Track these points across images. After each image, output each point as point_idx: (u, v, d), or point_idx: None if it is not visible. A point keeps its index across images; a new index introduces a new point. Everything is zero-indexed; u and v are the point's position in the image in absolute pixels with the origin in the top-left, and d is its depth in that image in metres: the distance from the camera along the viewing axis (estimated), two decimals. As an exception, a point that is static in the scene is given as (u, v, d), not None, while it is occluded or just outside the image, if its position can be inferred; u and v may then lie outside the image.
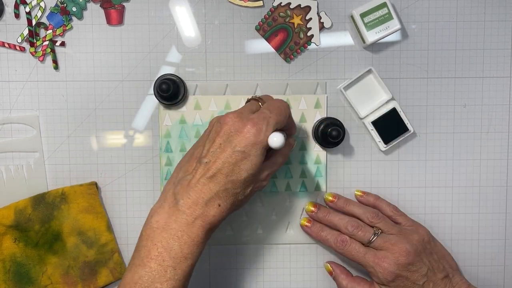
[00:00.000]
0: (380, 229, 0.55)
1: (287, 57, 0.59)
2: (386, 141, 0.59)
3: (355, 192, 0.60)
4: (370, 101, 0.59)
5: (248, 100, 0.52)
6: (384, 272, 0.53)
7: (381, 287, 0.54)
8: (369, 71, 0.58)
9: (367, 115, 0.59)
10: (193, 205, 0.45)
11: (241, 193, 0.47)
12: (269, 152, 0.49)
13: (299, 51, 0.59)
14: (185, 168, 0.48)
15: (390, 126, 0.59)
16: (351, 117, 0.60)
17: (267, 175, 0.49)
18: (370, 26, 0.56)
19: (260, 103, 0.50)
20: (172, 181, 0.48)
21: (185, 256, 0.44)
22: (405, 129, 0.59)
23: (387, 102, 0.59)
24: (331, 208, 0.59)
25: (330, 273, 0.59)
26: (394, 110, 0.58)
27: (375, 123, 0.58)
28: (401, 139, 0.59)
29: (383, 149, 0.59)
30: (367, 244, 0.55)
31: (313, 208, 0.58)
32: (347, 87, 0.59)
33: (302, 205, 0.60)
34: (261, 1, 0.58)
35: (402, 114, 0.58)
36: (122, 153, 0.59)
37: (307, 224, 0.59)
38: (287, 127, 0.51)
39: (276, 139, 0.45)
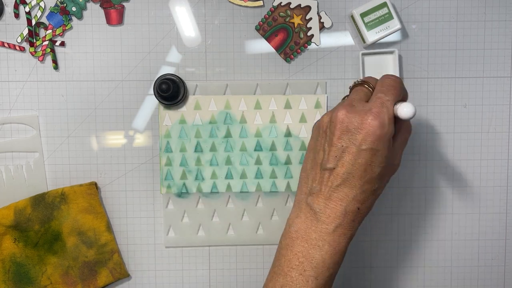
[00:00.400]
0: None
1: (287, 57, 0.59)
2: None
3: None
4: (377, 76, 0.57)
5: (352, 88, 0.48)
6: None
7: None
8: (393, 52, 0.57)
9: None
10: (332, 214, 0.43)
11: (379, 188, 0.44)
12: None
13: (299, 51, 0.59)
14: (312, 176, 0.45)
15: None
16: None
17: (400, 157, 0.45)
18: (370, 26, 0.56)
19: (366, 86, 0.47)
20: (303, 190, 0.46)
21: (327, 266, 0.43)
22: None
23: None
24: None
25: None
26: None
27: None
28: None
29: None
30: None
31: None
32: (367, 54, 0.58)
33: (302, 205, 0.60)
34: (261, 1, 0.58)
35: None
36: (122, 153, 0.59)
37: None
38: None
39: (406, 110, 0.41)
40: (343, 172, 0.43)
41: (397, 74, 0.57)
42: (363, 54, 0.58)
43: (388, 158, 0.43)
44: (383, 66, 0.59)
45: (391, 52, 0.58)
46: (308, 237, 0.44)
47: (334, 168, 0.43)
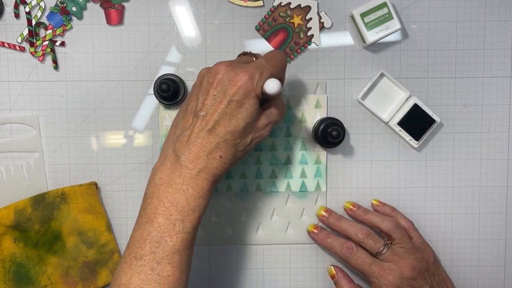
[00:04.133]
0: (393, 240, 0.55)
1: (287, 57, 0.59)
2: (417, 137, 0.59)
3: (372, 201, 0.60)
4: (388, 103, 0.59)
5: (240, 55, 0.53)
6: (388, 284, 0.53)
7: None
8: (382, 75, 0.58)
9: (391, 118, 0.59)
10: (195, 159, 0.45)
11: (241, 144, 0.47)
12: (265, 104, 0.50)
13: (299, 51, 0.59)
14: (182, 125, 0.48)
15: (416, 122, 0.58)
16: (351, 117, 0.60)
17: (266, 125, 0.49)
18: (370, 26, 0.56)
19: (254, 58, 0.51)
20: (170, 139, 0.48)
21: (192, 209, 0.45)
22: (431, 120, 0.58)
23: (407, 100, 0.58)
24: (349, 217, 0.59)
25: (333, 276, 0.59)
26: (416, 106, 0.58)
27: (401, 123, 0.58)
28: (430, 131, 0.59)
29: (415, 146, 0.59)
30: (375, 255, 0.55)
31: (324, 213, 0.59)
32: (364, 96, 0.58)
33: (302, 205, 0.60)
34: (261, 1, 0.58)
35: (425, 107, 0.58)
36: (122, 153, 0.59)
37: (314, 230, 0.59)
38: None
39: (272, 85, 0.45)
40: (212, 120, 0.45)
41: (402, 86, 0.58)
42: (361, 98, 0.58)
43: (252, 116, 0.46)
44: (383, 91, 0.59)
45: (381, 76, 0.58)
46: (173, 182, 0.45)
47: (204, 116, 0.46)
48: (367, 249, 0.55)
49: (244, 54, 0.53)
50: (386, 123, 0.59)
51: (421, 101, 0.58)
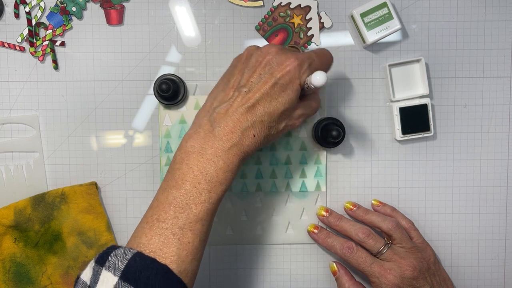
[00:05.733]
0: (394, 240, 0.55)
1: (287, 57, 0.59)
2: (405, 132, 0.59)
3: (372, 201, 0.60)
4: (405, 88, 0.59)
5: (288, 46, 0.54)
6: (389, 284, 0.53)
7: None
8: (418, 60, 0.58)
9: (398, 100, 0.58)
10: (230, 133, 0.45)
11: (274, 127, 0.47)
12: (303, 96, 0.50)
13: (299, 51, 0.59)
14: (221, 97, 0.48)
15: (415, 120, 0.58)
16: (351, 117, 0.60)
17: (300, 115, 0.49)
18: (370, 26, 0.56)
19: (301, 51, 0.52)
20: (206, 109, 0.48)
21: (220, 181, 0.45)
22: (426, 128, 0.58)
23: (422, 96, 0.58)
24: (349, 217, 0.59)
25: (334, 272, 0.59)
26: (425, 107, 0.58)
27: (402, 110, 0.58)
28: (418, 136, 0.59)
29: (399, 138, 0.58)
30: (375, 254, 0.55)
31: (324, 213, 0.59)
32: (393, 65, 0.58)
33: (302, 205, 0.60)
34: (261, 1, 0.58)
35: (431, 114, 0.58)
36: (122, 153, 0.59)
37: (314, 230, 0.59)
38: None
39: (319, 77, 0.45)
40: (254, 98, 0.46)
41: (426, 84, 0.58)
42: (390, 65, 0.58)
43: (292, 103, 0.47)
44: (410, 75, 0.59)
45: (418, 61, 0.58)
46: (204, 152, 0.45)
47: (247, 92, 0.46)
48: (368, 249, 0.55)
49: (292, 46, 0.54)
50: (391, 101, 0.59)
51: (431, 108, 0.58)
